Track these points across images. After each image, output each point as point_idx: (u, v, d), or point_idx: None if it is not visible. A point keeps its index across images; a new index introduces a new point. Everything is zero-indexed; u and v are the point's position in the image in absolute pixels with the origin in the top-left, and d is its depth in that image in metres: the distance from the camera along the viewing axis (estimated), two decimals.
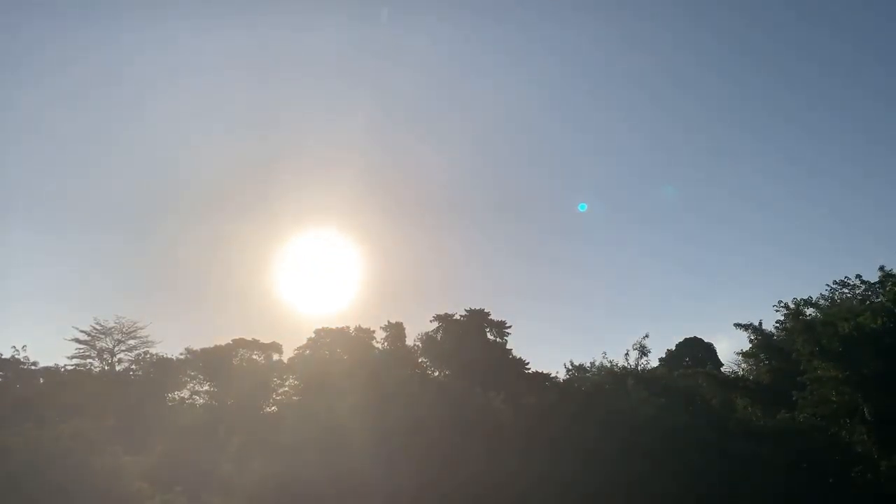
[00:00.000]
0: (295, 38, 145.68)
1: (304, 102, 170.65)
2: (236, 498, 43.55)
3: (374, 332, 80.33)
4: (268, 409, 75.61)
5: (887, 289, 42.49)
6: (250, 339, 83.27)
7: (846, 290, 51.49)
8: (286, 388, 79.95)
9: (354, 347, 77.37)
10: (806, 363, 41.07)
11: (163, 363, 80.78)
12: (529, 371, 75.33)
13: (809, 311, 48.29)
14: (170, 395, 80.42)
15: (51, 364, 74.14)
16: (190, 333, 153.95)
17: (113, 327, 79.14)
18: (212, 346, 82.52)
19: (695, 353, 78.12)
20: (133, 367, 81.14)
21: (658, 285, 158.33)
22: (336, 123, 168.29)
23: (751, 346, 52.23)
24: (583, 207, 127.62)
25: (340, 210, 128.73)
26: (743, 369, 55.93)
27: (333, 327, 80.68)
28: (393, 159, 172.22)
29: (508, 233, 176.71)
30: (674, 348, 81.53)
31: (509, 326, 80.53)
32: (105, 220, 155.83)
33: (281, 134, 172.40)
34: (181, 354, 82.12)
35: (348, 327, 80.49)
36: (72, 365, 77.08)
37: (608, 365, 50.62)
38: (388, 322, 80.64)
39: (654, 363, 57.56)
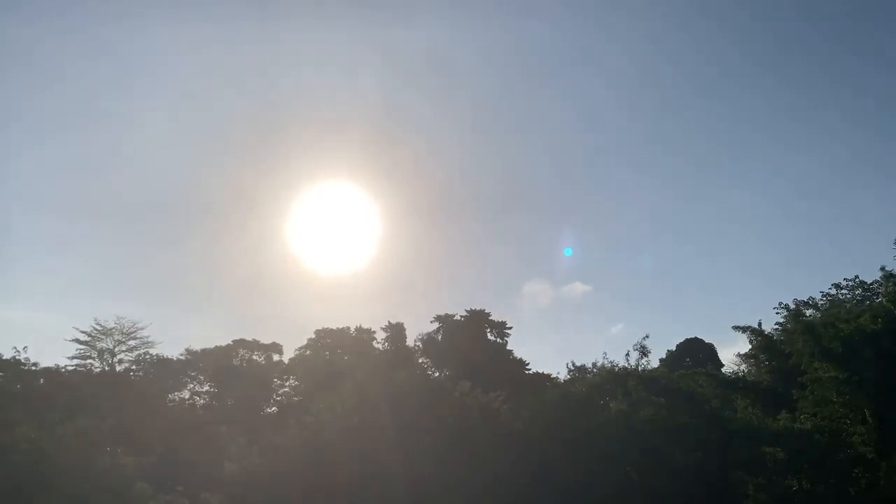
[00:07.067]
0: (298, 18, 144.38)
1: (303, 99, 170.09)
2: (237, 498, 43.49)
3: (374, 332, 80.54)
4: (268, 410, 75.77)
5: (888, 289, 42.52)
6: (250, 339, 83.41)
7: (845, 291, 51.63)
8: (287, 389, 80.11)
9: (355, 348, 77.59)
10: (806, 364, 41.10)
11: (163, 363, 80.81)
12: (530, 371, 75.49)
13: (809, 312, 48.49)
14: (170, 396, 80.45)
15: (51, 364, 74.12)
16: (190, 333, 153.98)
17: (113, 328, 79.07)
18: (212, 346, 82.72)
19: (695, 353, 78.32)
20: (133, 367, 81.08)
21: (658, 285, 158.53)
22: (335, 122, 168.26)
23: (751, 347, 52.32)
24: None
25: (340, 210, 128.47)
26: (743, 370, 55.95)
27: (334, 328, 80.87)
28: (392, 160, 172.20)
29: (509, 231, 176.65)
30: (674, 349, 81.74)
31: (510, 327, 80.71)
32: (105, 220, 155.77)
33: (281, 132, 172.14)
34: (181, 355, 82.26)
35: (349, 328, 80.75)
36: (72, 365, 77.09)
37: (609, 365, 50.50)
38: (389, 322, 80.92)
39: (655, 364, 57.47)
